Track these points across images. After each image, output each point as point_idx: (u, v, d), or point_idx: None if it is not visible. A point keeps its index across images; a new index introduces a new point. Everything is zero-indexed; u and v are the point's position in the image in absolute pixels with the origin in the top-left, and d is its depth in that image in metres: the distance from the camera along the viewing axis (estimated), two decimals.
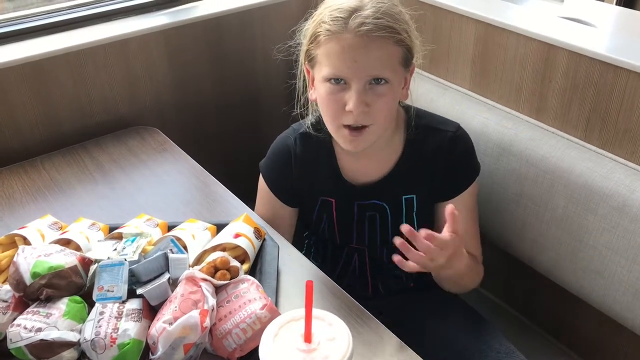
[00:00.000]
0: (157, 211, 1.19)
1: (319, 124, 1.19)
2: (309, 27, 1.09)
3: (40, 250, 0.94)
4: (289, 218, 1.28)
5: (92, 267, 0.93)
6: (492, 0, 1.49)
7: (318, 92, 1.09)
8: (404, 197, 1.19)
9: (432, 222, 1.26)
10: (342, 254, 1.28)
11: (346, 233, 1.24)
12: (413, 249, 0.97)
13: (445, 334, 1.22)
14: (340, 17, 1.01)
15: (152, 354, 0.84)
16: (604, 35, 1.35)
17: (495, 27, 1.37)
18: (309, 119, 1.20)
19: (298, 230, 1.32)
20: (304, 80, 1.16)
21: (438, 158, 1.17)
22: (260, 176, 1.26)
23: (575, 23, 1.40)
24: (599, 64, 1.20)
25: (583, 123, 1.28)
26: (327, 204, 1.22)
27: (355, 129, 1.06)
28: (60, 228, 1.10)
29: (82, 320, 0.88)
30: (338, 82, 1.04)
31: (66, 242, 1.03)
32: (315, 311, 0.74)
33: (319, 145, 1.19)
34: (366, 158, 1.18)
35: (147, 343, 0.86)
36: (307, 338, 0.72)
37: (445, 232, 0.99)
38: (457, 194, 1.19)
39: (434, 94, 1.49)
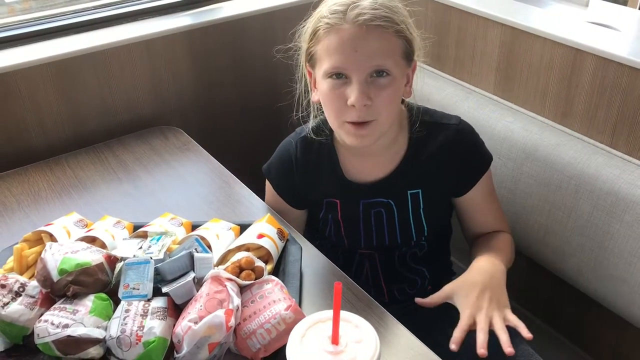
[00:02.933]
0: (180, 210, 1.20)
1: (319, 128, 1.19)
2: (308, 27, 1.09)
3: (67, 247, 0.94)
4: (298, 219, 1.28)
5: (118, 265, 0.94)
6: (517, 4, 1.48)
7: (320, 90, 1.09)
8: (409, 192, 1.18)
9: (442, 218, 1.26)
10: (353, 262, 1.27)
11: (353, 235, 1.23)
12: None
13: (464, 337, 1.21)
14: (339, 9, 1.02)
15: (177, 353, 0.84)
16: (632, 40, 1.34)
17: (521, 31, 1.37)
18: (310, 123, 1.20)
19: (308, 239, 1.32)
20: (305, 84, 1.16)
21: (445, 153, 1.16)
22: (266, 180, 1.27)
23: (602, 27, 1.39)
24: (628, 69, 1.19)
25: (610, 129, 1.26)
26: (332, 205, 1.22)
27: (360, 123, 1.06)
28: (86, 226, 1.10)
29: (108, 317, 0.88)
30: (339, 76, 1.03)
31: (92, 240, 1.04)
32: (342, 313, 0.74)
33: (320, 148, 1.19)
34: (370, 158, 1.18)
35: (172, 341, 0.86)
36: (335, 340, 0.71)
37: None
38: (473, 184, 1.18)
39: (458, 98, 1.48)
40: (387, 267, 1.26)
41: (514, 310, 1.64)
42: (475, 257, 1.16)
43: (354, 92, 1.02)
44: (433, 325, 1.24)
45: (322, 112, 1.14)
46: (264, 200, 1.29)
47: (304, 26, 1.11)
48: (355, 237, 1.23)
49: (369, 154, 1.17)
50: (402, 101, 1.17)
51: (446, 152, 1.16)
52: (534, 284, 1.59)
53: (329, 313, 0.75)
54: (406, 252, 1.24)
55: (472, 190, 1.19)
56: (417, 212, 1.20)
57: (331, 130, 1.18)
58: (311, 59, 1.09)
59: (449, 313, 1.27)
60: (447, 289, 1.10)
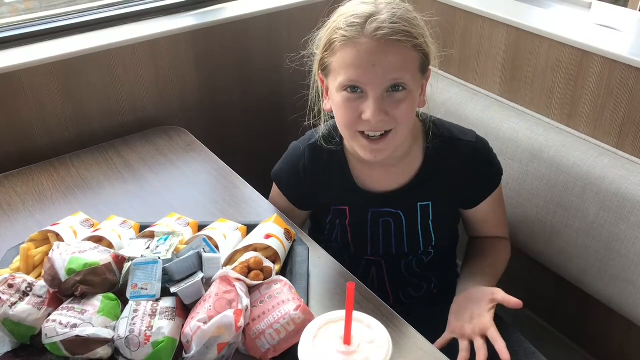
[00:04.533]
0: (185, 210, 1.19)
1: (330, 136, 1.17)
2: (322, 36, 1.06)
3: (74, 247, 0.94)
4: (301, 218, 1.29)
5: (126, 265, 0.93)
6: (523, 5, 1.48)
7: (333, 101, 1.06)
8: (419, 203, 1.17)
9: (450, 229, 1.26)
10: (359, 267, 1.26)
11: (360, 242, 1.23)
12: None
13: None
14: (357, 22, 0.99)
15: (186, 353, 0.84)
16: (637, 41, 1.34)
17: (526, 32, 1.37)
18: (321, 130, 1.18)
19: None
20: (317, 90, 1.15)
21: (460, 169, 1.15)
22: (274, 183, 1.27)
23: (606, 29, 1.39)
24: (635, 71, 1.19)
25: (616, 130, 1.26)
26: (341, 211, 1.21)
27: (375, 138, 1.04)
28: (92, 225, 1.10)
29: (116, 317, 0.88)
30: (355, 90, 1.01)
31: (98, 240, 1.03)
32: (355, 313, 0.73)
33: (330, 156, 1.18)
34: (382, 168, 1.16)
35: (180, 341, 0.86)
36: (347, 340, 0.71)
37: None
38: (484, 199, 1.19)
39: (463, 99, 1.48)
40: (393, 273, 1.26)
41: (519, 312, 1.64)
42: (472, 268, 1.18)
43: (370, 108, 1.00)
44: (439, 327, 1.25)
45: (334, 118, 1.13)
46: (267, 198, 1.28)
47: (317, 34, 1.08)
48: (362, 244, 1.23)
49: (381, 165, 1.15)
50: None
51: (461, 170, 1.15)
52: (538, 284, 1.59)
53: (340, 313, 0.75)
54: (412, 259, 1.24)
55: (482, 203, 1.19)
56: (425, 224, 1.19)
57: (342, 138, 1.16)
58: (325, 69, 1.07)
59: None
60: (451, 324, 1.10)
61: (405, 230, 1.19)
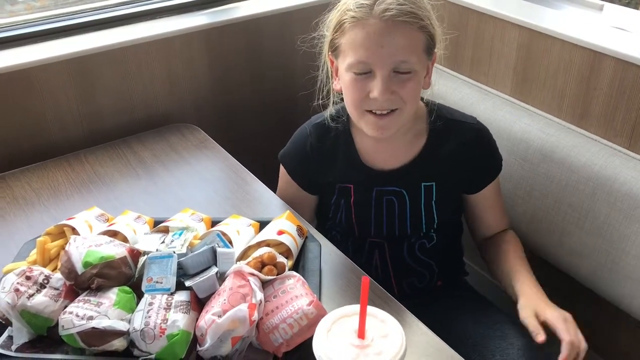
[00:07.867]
0: (197, 206, 1.20)
1: (337, 116, 1.21)
2: (332, 17, 1.11)
3: (91, 240, 0.95)
4: (309, 203, 1.31)
5: (141, 259, 0.95)
6: (535, 6, 1.48)
7: (342, 81, 1.11)
8: (423, 184, 1.20)
9: (452, 212, 1.27)
10: (362, 250, 1.28)
11: (364, 221, 1.24)
12: None
13: (468, 331, 1.22)
14: (365, 3, 1.04)
15: (200, 346, 0.85)
16: None
17: (539, 33, 1.37)
18: (329, 110, 1.22)
19: (320, 227, 1.34)
20: (327, 71, 1.18)
21: (463, 151, 1.18)
22: (281, 165, 1.30)
23: (621, 31, 1.39)
24: None
25: (628, 131, 1.27)
26: (346, 190, 1.23)
27: (382, 114, 1.08)
28: (107, 220, 1.11)
29: (131, 310, 0.89)
30: (363, 70, 1.05)
31: (113, 234, 1.04)
32: (368, 308, 0.74)
33: (336, 134, 1.22)
34: (387, 146, 1.20)
35: (194, 334, 0.87)
36: (361, 334, 0.72)
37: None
38: (487, 184, 1.22)
39: (475, 99, 1.48)
40: (395, 259, 1.27)
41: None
42: (522, 280, 1.19)
43: (378, 87, 1.04)
44: (443, 321, 1.25)
45: (342, 99, 1.16)
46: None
47: (327, 16, 1.12)
48: (365, 224, 1.25)
49: (386, 142, 1.18)
50: None
51: (464, 150, 1.18)
52: (548, 285, 1.59)
53: (354, 308, 0.75)
54: (415, 242, 1.26)
55: (485, 189, 1.22)
56: (429, 204, 1.21)
57: (348, 117, 1.19)
58: (335, 50, 1.11)
59: (460, 307, 1.28)
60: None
61: (408, 209, 1.21)
